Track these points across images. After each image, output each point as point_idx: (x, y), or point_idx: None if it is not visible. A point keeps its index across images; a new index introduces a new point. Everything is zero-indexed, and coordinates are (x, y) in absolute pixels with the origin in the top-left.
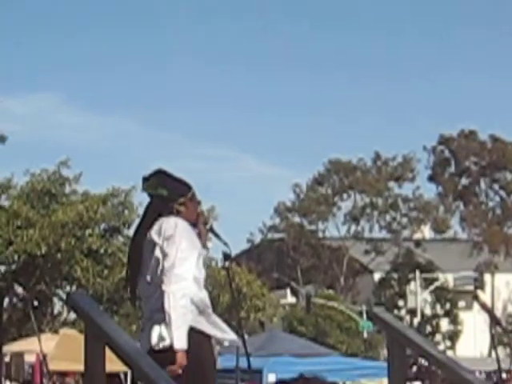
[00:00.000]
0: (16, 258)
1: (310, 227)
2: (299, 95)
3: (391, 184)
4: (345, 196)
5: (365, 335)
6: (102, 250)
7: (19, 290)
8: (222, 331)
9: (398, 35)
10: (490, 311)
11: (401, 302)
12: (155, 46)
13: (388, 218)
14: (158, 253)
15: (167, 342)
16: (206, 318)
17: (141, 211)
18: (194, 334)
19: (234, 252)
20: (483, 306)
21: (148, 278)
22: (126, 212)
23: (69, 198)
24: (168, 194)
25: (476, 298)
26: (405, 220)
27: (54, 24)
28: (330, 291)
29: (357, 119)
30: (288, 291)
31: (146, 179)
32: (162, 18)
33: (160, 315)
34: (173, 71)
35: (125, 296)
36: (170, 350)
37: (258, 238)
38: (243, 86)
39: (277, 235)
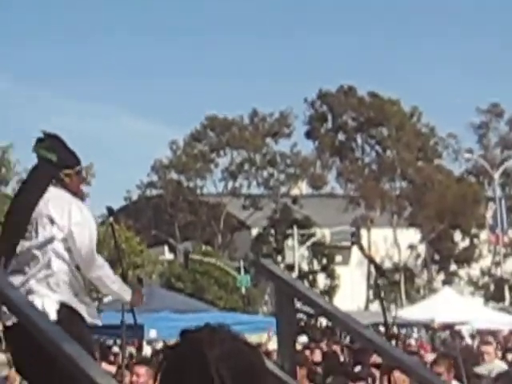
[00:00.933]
0: None
1: (187, 184)
2: (177, 55)
3: (268, 140)
4: (222, 153)
5: (243, 291)
6: None
7: None
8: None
9: None
10: (374, 262)
11: (279, 258)
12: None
13: (265, 174)
14: (55, 230)
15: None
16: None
17: (18, 169)
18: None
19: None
20: (368, 257)
21: (32, 243)
22: (3, 170)
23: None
24: (57, 160)
25: (361, 248)
26: (282, 176)
27: None
28: (208, 247)
29: (235, 75)
30: (166, 248)
31: (39, 140)
32: None
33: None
34: (53, 38)
35: None
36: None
37: (135, 196)
38: (124, 46)
39: (154, 192)
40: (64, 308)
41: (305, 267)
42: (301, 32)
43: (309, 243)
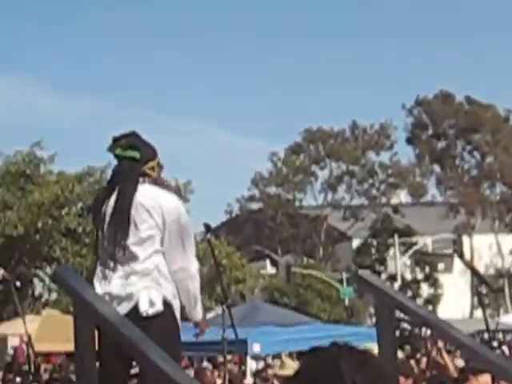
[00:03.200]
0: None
1: (287, 197)
2: (273, 65)
3: (368, 152)
4: (322, 165)
5: (346, 302)
6: (79, 229)
7: None
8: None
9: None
10: (474, 270)
11: (381, 268)
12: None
13: (366, 185)
14: (153, 227)
15: (158, 308)
16: None
17: None
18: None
19: (212, 224)
20: (468, 265)
21: (135, 239)
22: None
23: (44, 178)
24: (140, 157)
25: (461, 257)
26: (382, 186)
27: (22, 7)
28: (310, 260)
29: (334, 86)
30: (268, 262)
31: (116, 140)
32: None
33: (147, 282)
34: (143, 55)
35: None
36: (160, 316)
37: (236, 210)
38: (215, 58)
39: (255, 206)
40: (165, 305)
41: (408, 276)
42: (392, 39)
43: (411, 252)
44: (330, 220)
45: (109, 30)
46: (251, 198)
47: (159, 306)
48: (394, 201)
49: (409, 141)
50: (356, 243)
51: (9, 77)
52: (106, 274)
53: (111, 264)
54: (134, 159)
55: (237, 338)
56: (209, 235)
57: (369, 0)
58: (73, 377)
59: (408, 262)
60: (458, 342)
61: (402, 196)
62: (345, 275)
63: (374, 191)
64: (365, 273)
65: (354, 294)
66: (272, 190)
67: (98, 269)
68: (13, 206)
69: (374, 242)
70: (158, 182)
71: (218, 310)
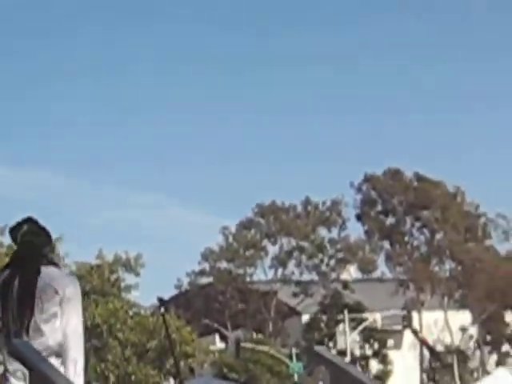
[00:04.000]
0: None
1: (237, 271)
2: (227, 140)
3: (319, 228)
4: (272, 240)
5: (295, 378)
6: None
7: None
8: None
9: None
10: (428, 345)
11: (330, 344)
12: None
13: (316, 260)
14: (57, 303)
15: None
16: None
17: (67, 261)
18: None
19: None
20: (422, 341)
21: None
22: None
23: None
24: (40, 242)
25: (414, 332)
26: (332, 261)
27: None
28: (259, 335)
29: (284, 163)
30: (217, 337)
31: (15, 227)
32: None
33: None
34: (94, 124)
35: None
36: None
37: (185, 284)
38: (169, 132)
39: (205, 280)
40: None
41: (357, 352)
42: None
43: (360, 328)
44: (280, 295)
45: (61, 97)
46: (201, 273)
47: None
48: (343, 276)
49: (358, 217)
50: (305, 318)
51: None
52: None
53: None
54: (33, 243)
55: None
56: (162, 309)
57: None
58: None
59: (357, 338)
60: None
61: (352, 271)
62: (294, 350)
63: (323, 267)
64: (320, 348)
65: (303, 369)
66: (222, 264)
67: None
68: None
69: (324, 318)
70: (56, 264)
71: None
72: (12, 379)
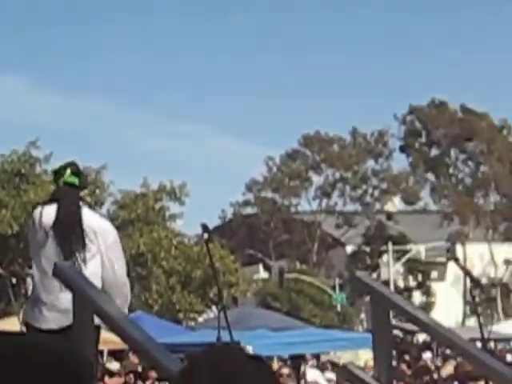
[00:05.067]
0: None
1: (282, 202)
2: (273, 70)
3: (366, 159)
4: (317, 170)
5: (338, 308)
6: None
7: None
8: None
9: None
10: (471, 274)
11: (374, 275)
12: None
13: (359, 191)
14: (97, 247)
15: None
16: None
17: (112, 190)
18: None
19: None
20: (463, 269)
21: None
22: (97, 191)
23: (39, 178)
24: (79, 183)
25: (456, 261)
26: (376, 192)
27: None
28: (303, 266)
29: (331, 94)
30: (261, 266)
31: (58, 170)
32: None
33: None
34: (138, 57)
35: None
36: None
37: (229, 214)
38: (213, 64)
39: (249, 210)
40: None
41: (400, 284)
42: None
43: (404, 259)
44: (324, 226)
45: (108, 31)
46: (246, 203)
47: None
48: (387, 207)
49: (402, 149)
50: (349, 249)
51: (5, 76)
52: (52, 286)
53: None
54: (74, 185)
55: (232, 340)
56: (206, 235)
57: (364, 9)
58: None
59: (401, 270)
60: (458, 347)
61: (396, 203)
62: (337, 281)
63: (367, 198)
64: (362, 273)
65: (346, 300)
66: (267, 194)
67: (41, 280)
68: (7, 205)
69: (368, 249)
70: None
71: (210, 313)
72: (45, 311)
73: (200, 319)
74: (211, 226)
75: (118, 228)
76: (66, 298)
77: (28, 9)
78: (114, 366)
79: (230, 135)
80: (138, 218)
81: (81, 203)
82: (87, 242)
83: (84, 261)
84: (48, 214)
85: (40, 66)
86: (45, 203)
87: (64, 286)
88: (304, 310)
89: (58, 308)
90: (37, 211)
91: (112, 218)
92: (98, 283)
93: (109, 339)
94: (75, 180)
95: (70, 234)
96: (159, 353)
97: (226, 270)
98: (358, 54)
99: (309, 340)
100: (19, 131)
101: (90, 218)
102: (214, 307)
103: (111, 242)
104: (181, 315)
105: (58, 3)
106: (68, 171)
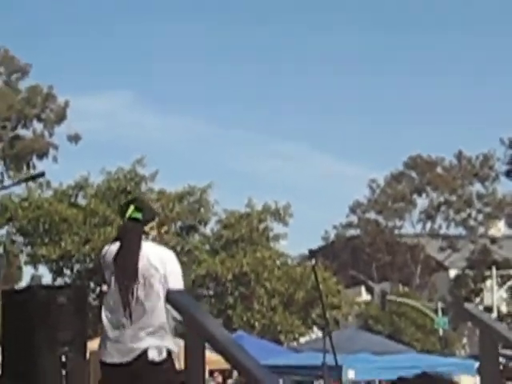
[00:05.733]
0: (93, 256)
1: (385, 223)
2: (378, 91)
3: (471, 182)
4: (421, 193)
5: (440, 333)
6: (178, 248)
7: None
8: None
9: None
10: None
11: (477, 300)
12: (223, 42)
13: (463, 214)
14: (158, 280)
15: (164, 356)
16: None
17: (216, 209)
18: None
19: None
20: None
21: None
22: (202, 210)
23: (145, 195)
24: (142, 218)
25: None
26: (480, 216)
27: (127, 21)
28: (406, 288)
29: (438, 116)
30: (363, 289)
31: (125, 205)
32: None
33: (155, 337)
34: (240, 73)
35: (204, 293)
36: (165, 362)
37: (332, 236)
38: (318, 85)
39: (352, 232)
40: (170, 357)
41: (504, 309)
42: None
43: (508, 285)
44: (428, 249)
45: (210, 49)
46: (349, 225)
47: (164, 355)
48: (491, 232)
49: (508, 173)
50: (453, 273)
51: (113, 94)
52: (117, 322)
53: (122, 315)
54: (138, 220)
55: (336, 363)
56: (313, 261)
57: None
58: None
59: (504, 295)
60: None
61: (501, 227)
62: (440, 305)
63: (471, 221)
64: (469, 305)
65: (448, 324)
66: (371, 216)
67: (109, 315)
68: (113, 222)
69: (471, 273)
70: (156, 240)
71: (312, 334)
72: (109, 345)
73: (301, 340)
74: (314, 247)
75: (221, 247)
76: (130, 335)
77: (134, 25)
78: None
79: (332, 155)
80: (242, 237)
81: (143, 238)
82: (148, 275)
83: (142, 295)
84: (111, 252)
85: (146, 83)
86: (112, 242)
87: (176, 311)
88: (406, 334)
89: (122, 343)
90: (103, 250)
91: (216, 238)
92: (161, 314)
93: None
94: (138, 215)
95: (126, 271)
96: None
97: (329, 292)
98: (467, 77)
99: (410, 365)
100: (125, 149)
101: (153, 252)
102: (315, 328)
103: (172, 273)
104: (282, 336)
105: (162, 29)
106: (131, 207)
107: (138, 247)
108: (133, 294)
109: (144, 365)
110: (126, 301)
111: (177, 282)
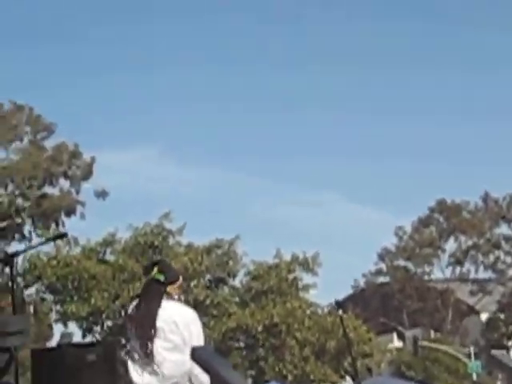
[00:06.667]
0: (122, 312)
1: (415, 270)
2: (403, 139)
3: (498, 223)
4: (449, 238)
5: (474, 377)
6: (207, 301)
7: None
8: None
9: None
10: None
11: (509, 343)
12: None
13: (492, 257)
14: (178, 336)
15: None
16: None
17: (245, 260)
18: None
19: (339, 298)
20: None
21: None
22: (231, 262)
23: (173, 250)
24: (164, 279)
25: None
26: (509, 259)
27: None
28: (437, 334)
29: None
30: (395, 335)
31: (149, 266)
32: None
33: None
34: (255, 122)
35: (233, 346)
36: None
37: (362, 284)
38: (341, 131)
39: (381, 279)
40: None
41: None
42: None
43: None
44: (458, 294)
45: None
46: (378, 272)
47: None
48: None
49: None
50: (484, 317)
51: (137, 149)
52: (138, 370)
53: (144, 369)
54: (160, 281)
55: None
56: (340, 312)
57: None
58: None
59: None
60: None
61: None
62: (472, 350)
63: (499, 264)
64: (497, 352)
65: (482, 368)
66: (400, 263)
67: (131, 364)
68: (141, 278)
69: (502, 316)
70: (177, 299)
71: (344, 383)
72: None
73: None
74: (343, 295)
75: (251, 299)
76: (150, 382)
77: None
78: None
79: (357, 203)
80: (272, 289)
81: (166, 297)
82: (168, 333)
83: (160, 351)
84: (133, 309)
85: (171, 137)
86: (135, 299)
87: (202, 368)
88: (439, 379)
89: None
90: (129, 308)
91: (245, 290)
92: (182, 370)
93: None
94: (160, 277)
95: (144, 327)
96: None
97: (360, 340)
98: (491, 120)
99: None
100: (151, 203)
101: (174, 311)
102: (348, 378)
103: (196, 333)
104: None
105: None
106: (155, 269)
107: (158, 307)
108: (148, 347)
109: None
110: (146, 354)
111: (200, 341)
